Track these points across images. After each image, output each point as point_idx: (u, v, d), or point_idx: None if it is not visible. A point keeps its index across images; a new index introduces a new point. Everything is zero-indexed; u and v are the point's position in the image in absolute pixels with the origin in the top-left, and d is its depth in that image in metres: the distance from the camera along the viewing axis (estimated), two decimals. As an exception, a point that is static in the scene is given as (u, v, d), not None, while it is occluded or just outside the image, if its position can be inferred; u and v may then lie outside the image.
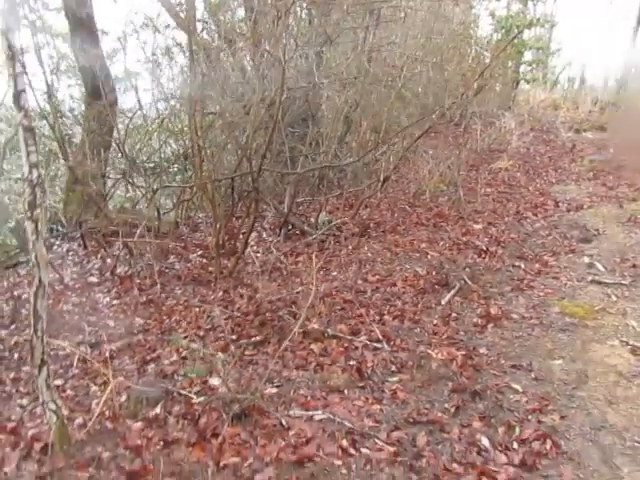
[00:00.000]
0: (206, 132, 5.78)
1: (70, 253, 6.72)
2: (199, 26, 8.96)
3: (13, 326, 4.69)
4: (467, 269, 5.07)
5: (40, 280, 2.26)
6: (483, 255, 5.59)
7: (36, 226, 2.17)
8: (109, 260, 6.09)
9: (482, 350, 3.75)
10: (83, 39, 7.43)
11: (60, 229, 8.42)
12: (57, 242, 7.37)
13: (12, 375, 3.83)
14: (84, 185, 6.59)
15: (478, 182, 8.02)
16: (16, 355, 4.13)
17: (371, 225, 6.64)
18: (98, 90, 7.44)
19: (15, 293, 5.36)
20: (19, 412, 3.31)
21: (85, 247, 6.72)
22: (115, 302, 5.00)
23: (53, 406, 2.61)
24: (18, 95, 1.93)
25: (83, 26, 7.42)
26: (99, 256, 6.34)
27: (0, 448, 2.87)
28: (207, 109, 6.25)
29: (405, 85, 7.62)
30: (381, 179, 6.65)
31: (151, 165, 7.72)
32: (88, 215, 7.09)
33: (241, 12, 8.72)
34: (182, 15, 9.34)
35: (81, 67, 7.78)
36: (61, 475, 2.53)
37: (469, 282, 4.79)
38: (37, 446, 2.83)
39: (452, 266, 5.13)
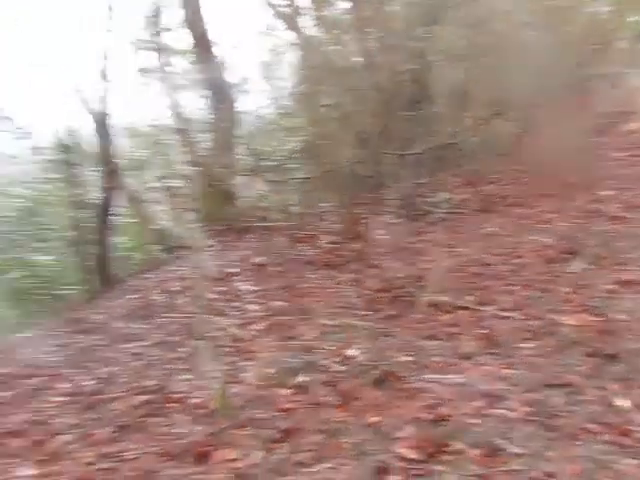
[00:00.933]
0: (322, 124, 6.05)
1: (210, 248, 7.31)
2: (306, 22, 9.30)
3: (169, 314, 5.25)
4: (598, 236, 4.93)
5: (201, 264, 2.61)
6: (615, 221, 5.37)
7: (194, 217, 2.51)
8: (245, 252, 6.58)
9: (618, 316, 3.67)
10: (203, 53, 8.04)
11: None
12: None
13: (173, 355, 4.34)
14: (217, 183, 7.17)
15: (607, 147, 7.63)
16: (175, 338, 4.65)
17: (494, 200, 6.59)
18: (220, 97, 8.02)
19: (167, 286, 5.99)
20: (183, 385, 3.77)
21: (223, 241, 7.29)
22: (255, 289, 5.42)
23: (215, 375, 2.98)
24: (176, 106, 2.26)
25: (202, 41, 8.02)
26: (236, 248, 6.85)
27: (173, 414, 3.32)
28: (320, 102, 6.55)
29: (521, 53, 7.42)
30: (501, 153, 6.58)
31: (274, 162, 8.20)
32: (223, 211, 7.68)
33: (343, 4, 8.93)
34: (288, 13, 9.75)
35: (204, 79, 8.39)
36: (225, 433, 2.89)
37: (600, 249, 4.65)
38: (201, 412, 3.26)
39: (582, 234, 5.00)
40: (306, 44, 8.05)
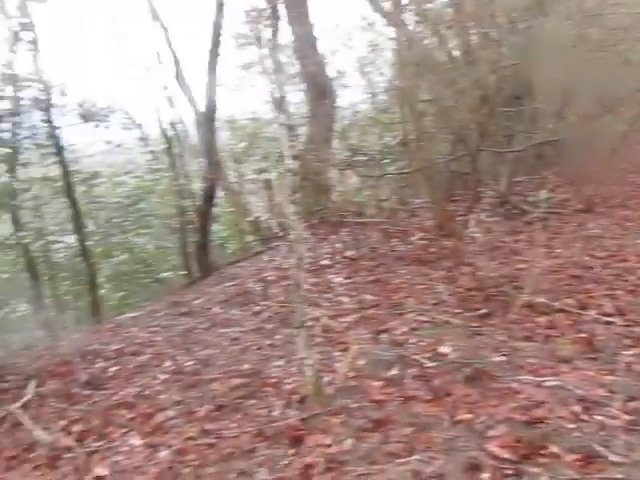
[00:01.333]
0: (420, 119, 6.03)
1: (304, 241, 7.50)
2: (406, 19, 9.26)
3: (264, 303, 5.46)
4: None
5: (300, 254, 2.72)
6: None
7: (295, 208, 2.62)
8: (338, 245, 6.70)
9: None
10: (305, 47, 8.21)
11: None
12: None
13: (268, 342, 4.51)
14: (313, 177, 7.31)
15: None
16: (270, 326, 4.84)
17: (597, 200, 6.32)
18: (320, 91, 8.16)
19: (262, 276, 6.21)
20: (277, 371, 3.93)
21: (316, 234, 7.45)
22: (346, 282, 5.52)
23: (310, 362, 3.09)
24: (280, 100, 2.38)
25: (305, 37, 8.19)
26: (329, 241, 6.99)
27: (267, 398, 3.48)
28: (417, 97, 6.51)
29: (632, 48, 7.03)
30: (606, 152, 6.29)
31: (369, 157, 8.25)
32: (318, 204, 7.84)
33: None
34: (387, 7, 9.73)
35: (304, 72, 8.58)
36: (318, 419, 3.00)
37: None
38: (294, 397, 3.39)
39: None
40: (405, 39, 8.02)
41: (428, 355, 3.49)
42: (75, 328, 6.45)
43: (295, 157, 2.56)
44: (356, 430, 2.81)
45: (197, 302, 6.03)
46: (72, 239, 9.00)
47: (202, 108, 7.76)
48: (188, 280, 8.15)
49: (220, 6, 6.93)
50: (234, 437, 3.06)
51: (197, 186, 9.90)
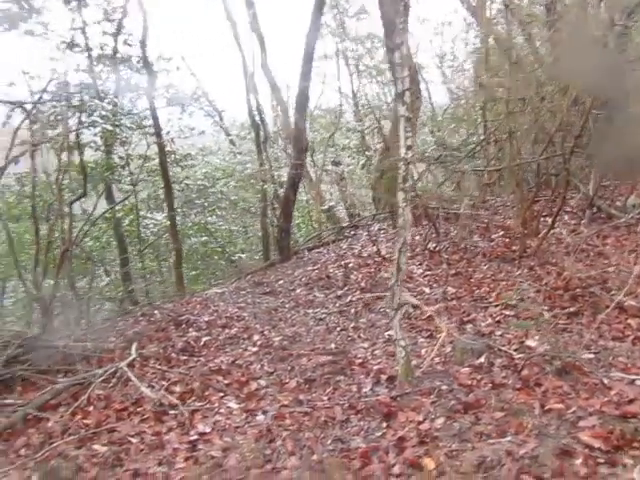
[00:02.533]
0: (510, 118, 6.02)
1: (382, 232, 7.64)
2: (495, 14, 9.18)
3: (346, 287, 5.65)
4: None
5: (404, 240, 2.87)
6: None
7: (405, 195, 2.77)
8: (418, 237, 6.80)
9: None
10: (391, 40, 8.27)
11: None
12: (369, 222, 8.42)
13: (352, 325, 4.70)
14: (393, 169, 7.41)
15: None
16: (352, 310, 5.02)
17: (690, 208, 6.14)
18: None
19: (343, 262, 6.40)
20: (362, 352, 4.11)
21: (394, 226, 7.55)
22: (427, 273, 5.63)
23: (403, 343, 3.24)
24: (402, 93, 2.52)
25: (394, 30, 8.25)
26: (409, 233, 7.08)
27: (356, 375, 3.66)
28: (507, 96, 6.48)
29: None
30: None
31: (454, 152, 8.28)
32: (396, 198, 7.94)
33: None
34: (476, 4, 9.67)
35: (391, 65, 8.65)
36: (409, 398, 3.15)
37: None
38: (383, 377, 3.55)
39: None
40: (496, 36, 7.98)
41: (515, 347, 3.58)
42: (163, 300, 6.84)
43: (409, 147, 2.70)
44: (447, 410, 2.95)
45: (280, 283, 6.28)
46: (160, 216, 9.47)
47: (285, 96, 7.93)
48: (267, 262, 8.44)
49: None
50: (327, 408, 3.25)
51: (278, 173, 10.21)
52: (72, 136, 7.04)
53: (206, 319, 5.25)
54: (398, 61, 2.48)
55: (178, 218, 10.82)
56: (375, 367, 3.74)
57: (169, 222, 8.34)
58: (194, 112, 10.46)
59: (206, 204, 11.44)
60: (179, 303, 6.18)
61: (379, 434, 2.88)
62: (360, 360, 3.92)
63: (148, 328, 5.10)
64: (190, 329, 5.03)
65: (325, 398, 3.42)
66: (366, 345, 4.23)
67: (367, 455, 2.67)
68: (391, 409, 3.06)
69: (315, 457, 2.73)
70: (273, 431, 3.08)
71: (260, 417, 3.31)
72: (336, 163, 11.77)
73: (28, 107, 7.01)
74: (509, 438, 2.62)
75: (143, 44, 7.95)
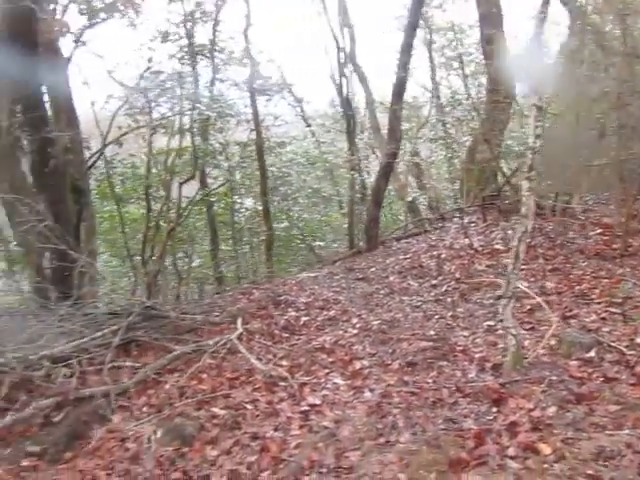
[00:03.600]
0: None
1: (472, 225, 7.60)
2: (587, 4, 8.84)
3: (440, 277, 5.70)
4: None
5: (526, 228, 2.92)
6: None
7: (530, 184, 2.81)
8: (510, 232, 6.73)
9: None
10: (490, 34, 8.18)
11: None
12: (456, 214, 8.39)
13: (450, 313, 4.76)
14: (483, 163, 7.38)
15: None
16: (449, 299, 5.07)
17: None
18: (496, 81, 8.13)
19: (435, 253, 6.44)
20: (463, 340, 4.17)
21: (484, 220, 7.52)
22: (523, 267, 5.58)
23: (514, 331, 3.29)
24: (535, 84, 2.56)
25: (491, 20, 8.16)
26: (499, 227, 7.05)
27: (459, 362, 3.74)
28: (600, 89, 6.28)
29: None
30: None
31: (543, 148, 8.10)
32: (485, 192, 7.89)
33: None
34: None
35: (487, 61, 8.53)
36: (518, 385, 3.20)
37: None
38: (487, 364, 3.61)
39: None
40: (586, 28, 7.71)
41: (625, 343, 3.54)
42: (256, 281, 7.11)
43: (537, 136, 2.74)
44: (559, 400, 2.97)
45: (372, 270, 6.40)
46: (248, 202, 9.80)
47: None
48: (354, 250, 8.59)
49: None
50: (434, 390, 3.35)
51: (365, 163, 10.31)
52: (177, 121, 7.40)
53: (304, 300, 5.44)
54: (536, 54, 2.52)
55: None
56: (477, 355, 3.80)
57: (262, 207, 8.63)
58: (278, 101, 10.75)
59: (289, 191, 11.71)
60: (274, 284, 6.41)
61: (490, 418, 2.95)
62: (461, 347, 3.99)
63: (249, 305, 5.35)
64: (289, 309, 5.24)
65: (430, 381, 3.52)
66: (466, 333, 4.28)
67: (481, 436, 2.74)
68: (501, 395, 3.12)
69: (429, 434, 2.84)
70: (383, 408, 3.21)
71: (367, 394, 3.45)
72: (415, 154, 11.76)
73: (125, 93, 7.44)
74: (627, 431, 2.63)
75: (245, 35, 8.22)
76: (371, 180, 10.44)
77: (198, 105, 7.51)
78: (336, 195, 12.66)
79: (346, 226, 10.59)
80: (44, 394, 3.70)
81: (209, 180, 9.95)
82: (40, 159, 4.91)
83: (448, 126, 11.12)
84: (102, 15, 7.44)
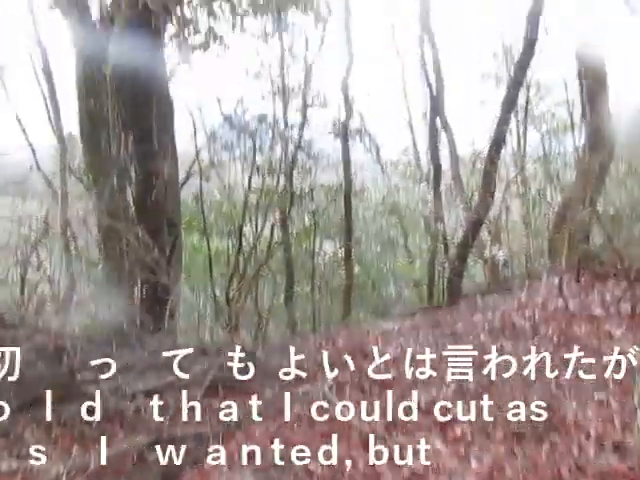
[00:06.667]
0: None
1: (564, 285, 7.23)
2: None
3: (535, 339, 5.38)
4: None
5: None
6: None
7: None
8: (608, 297, 6.36)
9: None
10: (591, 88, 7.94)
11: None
12: (544, 273, 8.03)
13: (554, 381, 4.44)
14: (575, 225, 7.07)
15: None
16: (550, 364, 4.75)
17: None
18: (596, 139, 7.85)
19: (527, 313, 6.14)
20: (572, 411, 3.85)
21: (578, 281, 7.15)
22: (629, 336, 5.22)
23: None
24: None
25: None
26: (595, 290, 6.67)
27: (574, 437, 3.45)
28: None
29: None
30: None
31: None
32: (579, 253, 7.52)
33: None
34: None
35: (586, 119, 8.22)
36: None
37: None
38: (607, 443, 3.32)
39: None
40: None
41: None
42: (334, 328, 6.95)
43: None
44: None
45: (458, 326, 6.14)
46: (329, 246, 9.76)
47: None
48: (433, 302, 8.35)
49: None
50: (551, 466, 3.08)
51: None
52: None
53: (392, 353, 5.23)
54: None
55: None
56: (592, 430, 3.50)
57: (344, 253, 8.57)
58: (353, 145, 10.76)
59: (364, 238, 11.62)
60: (358, 334, 6.23)
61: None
62: (572, 420, 3.69)
63: (335, 354, 5.17)
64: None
65: (544, 456, 3.25)
66: (575, 405, 3.97)
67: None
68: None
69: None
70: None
71: (475, 464, 3.21)
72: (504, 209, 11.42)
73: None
74: None
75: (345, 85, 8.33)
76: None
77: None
78: (404, 244, 12.45)
79: (414, 275, 10.42)
80: (135, 429, 3.64)
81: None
82: (144, 190, 5.02)
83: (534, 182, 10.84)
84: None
